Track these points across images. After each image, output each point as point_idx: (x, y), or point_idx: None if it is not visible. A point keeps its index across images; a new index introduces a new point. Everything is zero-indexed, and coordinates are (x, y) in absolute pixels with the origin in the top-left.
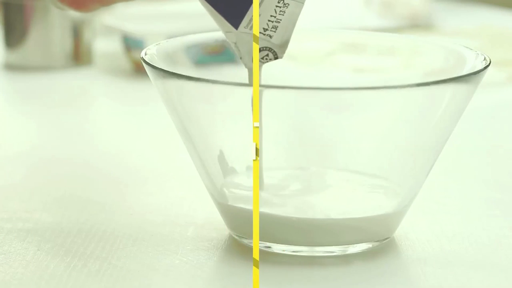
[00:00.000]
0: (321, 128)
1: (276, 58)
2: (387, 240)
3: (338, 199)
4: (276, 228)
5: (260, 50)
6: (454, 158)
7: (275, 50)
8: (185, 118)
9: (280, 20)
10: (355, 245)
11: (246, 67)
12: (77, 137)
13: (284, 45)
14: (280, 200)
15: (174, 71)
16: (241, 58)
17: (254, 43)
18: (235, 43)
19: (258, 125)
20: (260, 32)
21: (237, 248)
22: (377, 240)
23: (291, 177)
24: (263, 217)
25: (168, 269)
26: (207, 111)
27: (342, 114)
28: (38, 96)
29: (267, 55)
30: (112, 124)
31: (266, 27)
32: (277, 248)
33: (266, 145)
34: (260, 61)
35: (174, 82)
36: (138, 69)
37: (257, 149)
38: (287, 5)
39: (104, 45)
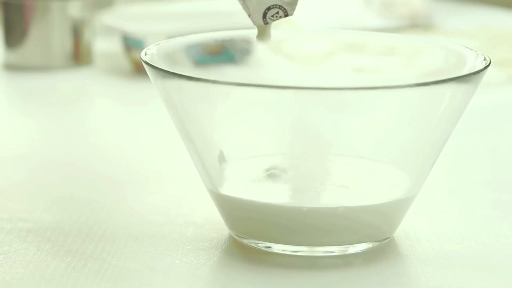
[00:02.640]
0: (321, 127)
1: (286, 15)
2: (387, 240)
3: (346, 188)
4: (281, 222)
5: (269, 8)
6: (454, 158)
7: (285, 7)
8: (185, 118)
9: None
10: (355, 245)
11: (254, 24)
12: (77, 137)
13: (294, 2)
14: (287, 191)
15: (174, 71)
16: (249, 15)
17: None
18: (244, 1)
19: None
20: None
21: (237, 248)
22: (377, 240)
23: (297, 168)
24: (270, 210)
25: (168, 269)
26: (207, 111)
27: (342, 114)
28: (38, 96)
29: (277, 12)
30: (112, 124)
31: None
32: (277, 248)
33: (267, 143)
34: (270, 19)
35: (174, 82)
36: (138, 69)
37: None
38: None
39: (104, 45)
